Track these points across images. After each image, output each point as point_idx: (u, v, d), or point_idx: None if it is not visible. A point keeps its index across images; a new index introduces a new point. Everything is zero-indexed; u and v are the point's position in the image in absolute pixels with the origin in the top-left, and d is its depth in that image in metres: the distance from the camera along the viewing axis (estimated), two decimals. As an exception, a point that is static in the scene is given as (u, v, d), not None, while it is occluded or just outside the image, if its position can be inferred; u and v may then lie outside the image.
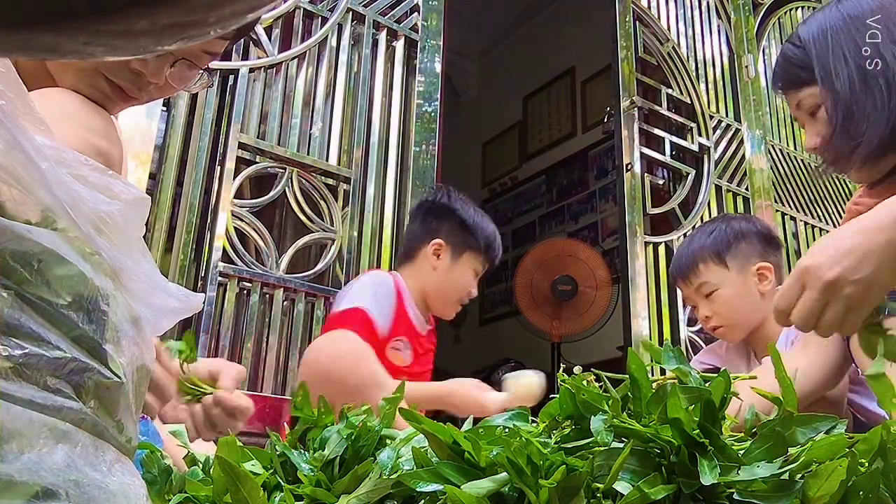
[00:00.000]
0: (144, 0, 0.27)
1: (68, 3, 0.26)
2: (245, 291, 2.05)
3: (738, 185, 3.06)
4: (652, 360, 0.65)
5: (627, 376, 0.61)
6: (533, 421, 0.66)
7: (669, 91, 3.01)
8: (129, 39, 0.29)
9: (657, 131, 2.90)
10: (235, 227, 2.05)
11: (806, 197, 3.27)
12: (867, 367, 0.71)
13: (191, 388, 0.91)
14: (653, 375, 0.65)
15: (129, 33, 0.28)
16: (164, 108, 2.06)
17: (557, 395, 0.63)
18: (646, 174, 2.81)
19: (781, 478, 0.53)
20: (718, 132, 3.09)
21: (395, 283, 1.79)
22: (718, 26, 3.31)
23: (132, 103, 0.91)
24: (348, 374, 1.48)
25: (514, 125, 5.39)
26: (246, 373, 0.99)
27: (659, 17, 3.10)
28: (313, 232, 2.20)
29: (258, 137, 2.17)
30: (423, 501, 0.58)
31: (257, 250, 2.12)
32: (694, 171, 2.97)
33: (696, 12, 3.25)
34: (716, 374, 0.59)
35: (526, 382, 1.63)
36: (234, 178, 2.08)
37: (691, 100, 3.06)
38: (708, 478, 0.51)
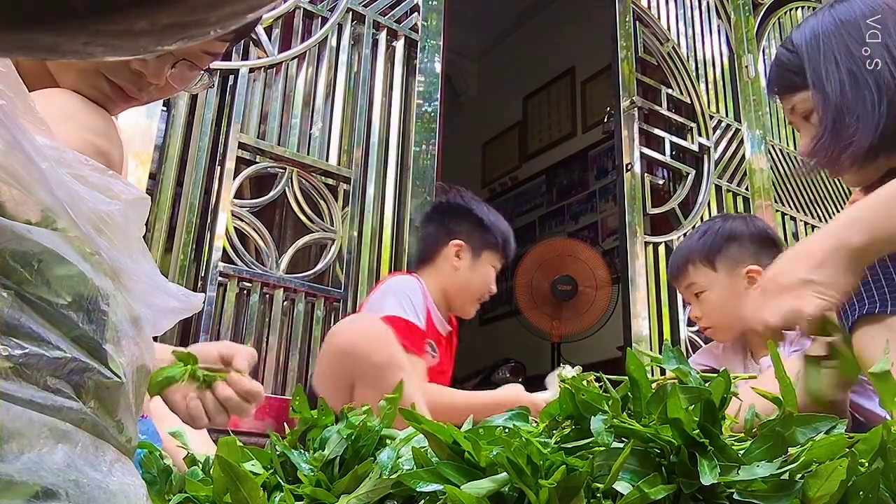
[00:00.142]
0: (144, 0, 0.27)
1: (68, 3, 0.26)
2: (245, 291, 2.05)
3: (738, 185, 3.06)
4: (651, 361, 0.65)
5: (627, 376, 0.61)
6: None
7: (669, 91, 3.01)
8: (129, 39, 0.29)
9: (657, 131, 2.90)
10: (235, 227, 2.05)
11: (806, 197, 3.27)
12: (869, 366, 0.72)
13: (203, 373, 0.90)
14: (652, 375, 0.65)
15: (129, 33, 0.28)
16: (164, 108, 2.06)
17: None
18: (646, 174, 2.80)
19: (781, 478, 0.53)
20: (718, 132, 3.09)
21: (421, 287, 1.84)
22: (718, 26, 3.31)
23: (133, 104, 0.91)
24: (372, 353, 1.50)
25: (514, 125, 5.39)
26: (256, 355, 0.98)
27: (659, 17, 3.10)
28: (313, 232, 2.20)
29: (258, 137, 2.17)
30: (423, 501, 0.58)
31: (257, 250, 2.12)
32: (694, 171, 2.97)
33: (696, 12, 3.25)
34: (715, 374, 0.59)
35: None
36: (234, 178, 2.08)
37: (691, 100, 3.06)
38: (708, 478, 0.51)
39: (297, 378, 2.03)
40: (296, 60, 2.30)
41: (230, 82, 2.19)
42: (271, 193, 2.16)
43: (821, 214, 3.27)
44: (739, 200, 3.03)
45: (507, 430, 0.62)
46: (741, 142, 3.14)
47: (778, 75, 1.19)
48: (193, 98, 2.11)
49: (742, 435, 0.65)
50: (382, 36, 2.49)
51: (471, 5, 4.53)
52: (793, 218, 3.16)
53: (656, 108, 2.92)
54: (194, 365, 0.89)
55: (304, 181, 2.22)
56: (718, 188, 2.99)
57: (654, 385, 0.60)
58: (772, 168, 3.16)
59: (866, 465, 0.53)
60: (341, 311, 2.15)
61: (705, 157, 3.00)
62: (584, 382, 0.66)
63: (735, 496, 0.53)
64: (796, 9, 3.64)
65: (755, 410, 0.68)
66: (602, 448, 0.56)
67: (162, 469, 0.78)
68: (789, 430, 0.56)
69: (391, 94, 2.45)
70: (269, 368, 2.01)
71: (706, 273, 1.64)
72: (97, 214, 0.45)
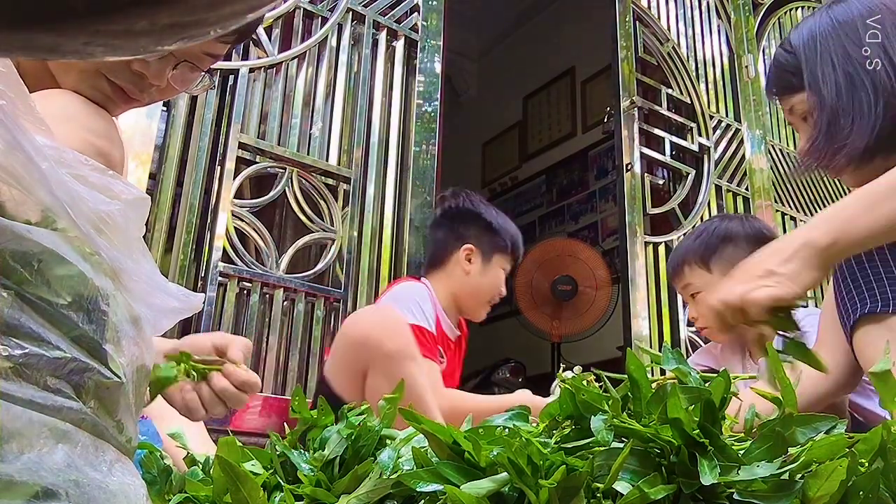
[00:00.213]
0: (144, 0, 0.27)
1: (68, 3, 0.26)
2: (245, 291, 2.05)
3: (738, 185, 3.06)
4: (651, 361, 0.65)
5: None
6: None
7: (669, 91, 3.01)
8: (129, 39, 0.29)
9: (657, 131, 2.90)
10: (235, 227, 2.05)
11: (806, 197, 3.27)
12: (869, 366, 0.72)
13: (198, 365, 0.89)
14: (652, 375, 0.65)
15: (129, 33, 0.28)
16: (164, 109, 2.06)
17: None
18: (646, 174, 2.80)
19: (781, 478, 0.53)
20: (718, 132, 3.09)
21: (430, 293, 1.86)
22: (718, 26, 3.31)
23: (134, 105, 0.91)
24: (386, 341, 1.50)
25: (514, 125, 5.39)
26: (251, 345, 0.97)
27: (659, 17, 3.10)
28: (313, 232, 2.20)
29: (258, 137, 2.17)
30: (423, 501, 0.58)
31: (257, 250, 2.12)
32: (694, 171, 2.97)
33: (696, 12, 3.25)
34: (714, 374, 0.59)
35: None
36: (234, 178, 2.08)
37: (691, 100, 3.06)
38: (708, 478, 0.51)
39: (297, 378, 2.03)
40: (296, 60, 2.30)
41: (230, 82, 2.19)
42: (271, 193, 2.16)
43: (821, 214, 3.26)
44: (739, 200, 3.03)
45: (507, 430, 0.62)
46: (741, 142, 3.14)
47: (776, 76, 1.19)
48: (193, 98, 2.11)
49: (742, 435, 0.65)
50: (382, 36, 2.49)
51: (471, 5, 4.53)
52: (793, 218, 3.16)
53: (656, 108, 2.92)
54: (188, 362, 0.88)
55: (304, 181, 2.22)
56: (718, 188, 2.98)
57: (654, 385, 0.60)
58: (772, 168, 3.16)
59: (866, 465, 0.53)
60: (341, 311, 2.15)
61: (705, 157, 3.00)
62: (584, 382, 0.66)
63: (735, 496, 0.53)
64: (796, 9, 3.64)
65: (755, 410, 0.68)
66: (602, 448, 0.56)
67: (162, 469, 0.78)
68: (789, 430, 0.56)
69: (391, 94, 2.45)
70: (269, 368, 2.01)
71: (701, 274, 1.65)
72: (97, 214, 0.45)
